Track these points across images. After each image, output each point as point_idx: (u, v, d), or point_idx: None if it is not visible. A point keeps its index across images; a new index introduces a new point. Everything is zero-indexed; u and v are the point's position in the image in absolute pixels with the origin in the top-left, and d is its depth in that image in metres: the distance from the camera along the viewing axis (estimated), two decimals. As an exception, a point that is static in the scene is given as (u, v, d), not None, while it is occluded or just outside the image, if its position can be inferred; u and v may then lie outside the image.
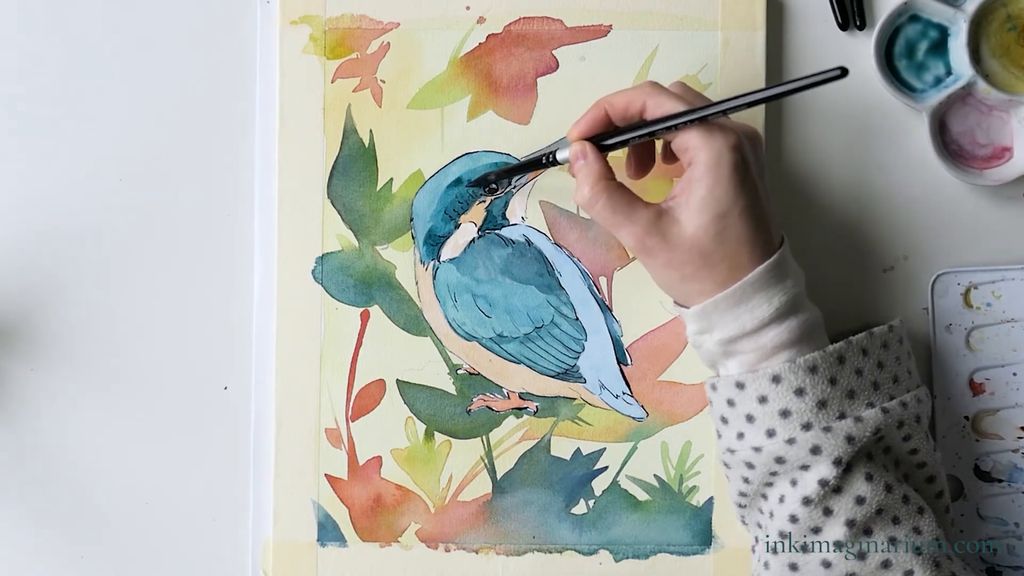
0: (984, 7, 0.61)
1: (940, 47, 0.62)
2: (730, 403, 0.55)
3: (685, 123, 0.54)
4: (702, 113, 0.53)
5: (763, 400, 0.54)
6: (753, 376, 0.54)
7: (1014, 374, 0.63)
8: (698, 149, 0.53)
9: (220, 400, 0.64)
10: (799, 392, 0.54)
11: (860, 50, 0.63)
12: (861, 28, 0.63)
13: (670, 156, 0.58)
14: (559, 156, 0.58)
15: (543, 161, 0.59)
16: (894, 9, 0.62)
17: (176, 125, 0.63)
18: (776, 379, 0.54)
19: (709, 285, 0.54)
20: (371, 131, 0.63)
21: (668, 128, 0.54)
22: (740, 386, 0.55)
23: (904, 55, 0.62)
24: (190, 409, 0.63)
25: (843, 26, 0.63)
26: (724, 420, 0.56)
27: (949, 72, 0.62)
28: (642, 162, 0.59)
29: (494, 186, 0.62)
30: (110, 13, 0.63)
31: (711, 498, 0.63)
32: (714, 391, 0.56)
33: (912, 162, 0.63)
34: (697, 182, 0.53)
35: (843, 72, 0.50)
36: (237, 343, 0.63)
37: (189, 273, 0.63)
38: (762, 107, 0.62)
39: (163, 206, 0.63)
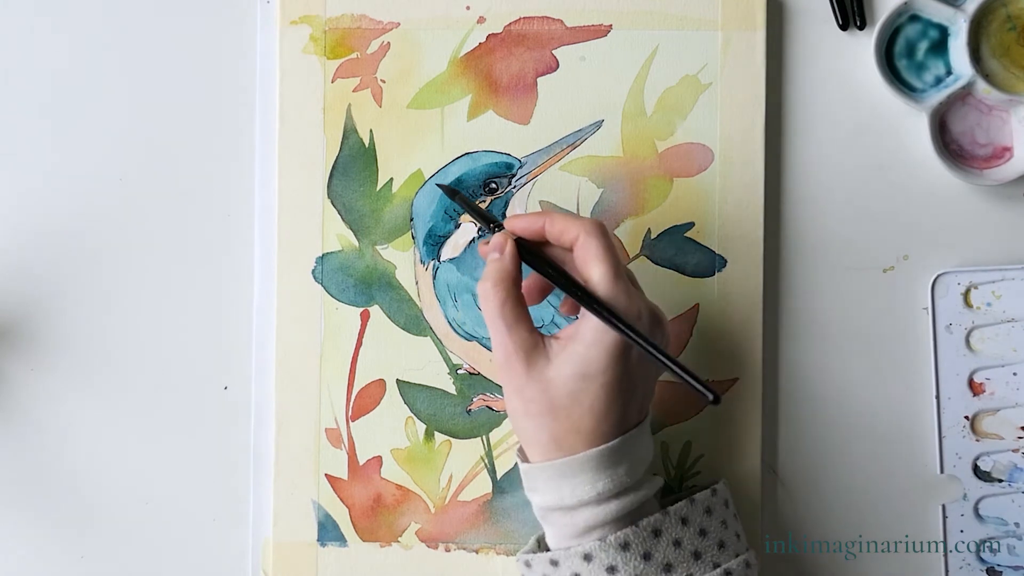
0: (984, 7, 0.61)
1: (940, 47, 0.62)
2: None
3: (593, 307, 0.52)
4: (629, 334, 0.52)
5: None
6: (566, 554, 0.53)
7: (1014, 374, 0.63)
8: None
9: (220, 400, 0.63)
10: (611, 570, 0.53)
11: (860, 50, 0.63)
12: (861, 28, 0.63)
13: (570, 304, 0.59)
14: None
15: (489, 225, 0.57)
16: (894, 9, 0.62)
17: (176, 125, 0.63)
18: (587, 557, 0.53)
19: (544, 436, 0.53)
20: (371, 131, 0.63)
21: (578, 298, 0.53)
22: (554, 563, 0.54)
23: (904, 55, 0.62)
24: (190, 409, 0.63)
25: (843, 26, 0.63)
26: None
27: (949, 72, 0.62)
28: (541, 290, 0.58)
29: (494, 185, 0.62)
30: (110, 13, 0.63)
31: (711, 498, 0.63)
32: (528, 568, 0.56)
33: (912, 162, 0.63)
34: (579, 337, 0.53)
35: (716, 399, 0.51)
36: (237, 343, 0.63)
37: (189, 273, 0.63)
38: (762, 107, 0.62)
39: (163, 206, 0.63)
